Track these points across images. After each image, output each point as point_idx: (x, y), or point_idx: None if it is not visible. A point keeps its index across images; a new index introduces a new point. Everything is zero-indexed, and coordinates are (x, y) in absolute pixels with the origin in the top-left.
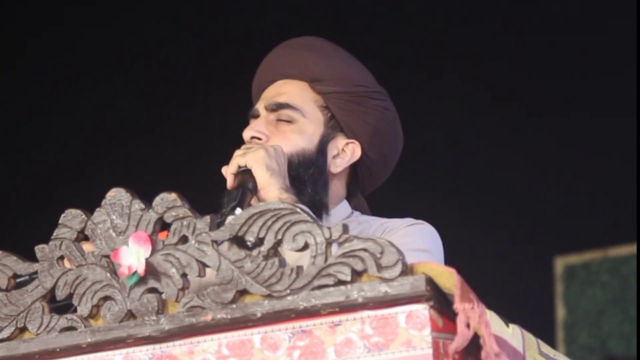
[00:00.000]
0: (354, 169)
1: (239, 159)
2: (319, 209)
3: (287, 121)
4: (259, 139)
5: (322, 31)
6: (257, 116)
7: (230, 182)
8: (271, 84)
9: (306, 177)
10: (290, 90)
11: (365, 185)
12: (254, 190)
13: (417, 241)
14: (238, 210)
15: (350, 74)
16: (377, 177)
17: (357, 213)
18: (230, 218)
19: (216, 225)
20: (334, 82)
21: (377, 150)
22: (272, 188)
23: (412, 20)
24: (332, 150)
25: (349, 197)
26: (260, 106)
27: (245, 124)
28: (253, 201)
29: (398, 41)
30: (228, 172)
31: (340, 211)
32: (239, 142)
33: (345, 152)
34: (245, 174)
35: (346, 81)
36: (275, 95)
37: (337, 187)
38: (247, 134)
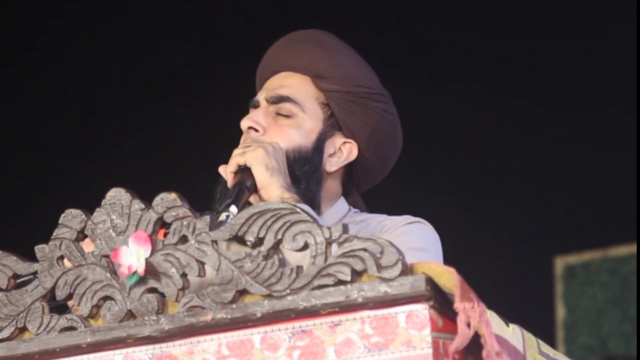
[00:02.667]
0: (349, 168)
1: (238, 158)
2: (311, 206)
3: (286, 115)
4: (256, 130)
5: (325, 27)
6: (257, 106)
7: (230, 182)
8: (274, 74)
9: (300, 173)
10: (292, 84)
11: (360, 184)
12: (253, 189)
13: (414, 240)
14: (233, 208)
15: (353, 74)
16: (373, 176)
17: (354, 211)
18: (223, 215)
19: (216, 224)
20: (336, 80)
21: (374, 151)
22: (273, 187)
23: (411, 19)
24: (329, 148)
25: (345, 195)
26: (261, 97)
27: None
28: (254, 200)
29: (399, 40)
30: (227, 171)
31: (337, 209)
32: (239, 141)
33: (341, 151)
34: (244, 172)
35: (349, 80)
36: (277, 87)
37: (332, 186)
38: (244, 123)
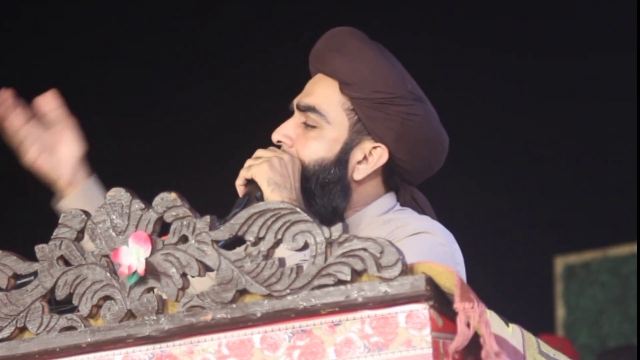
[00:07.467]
0: (388, 167)
1: (245, 172)
2: (332, 216)
3: (312, 126)
4: (284, 143)
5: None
6: (293, 111)
7: (240, 193)
8: (315, 73)
9: (319, 185)
10: (321, 91)
11: (410, 179)
12: (262, 199)
13: (407, 256)
14: None
15: (371, 80)
16: (418, 174)
17: (398, 209)
18: None
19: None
20: (357, 87)
21: (406, 153)
22: None
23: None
24: (357, 155)
25: (396, 190)
26: (295, 101)
27: (246, 122)
28: None
29: (407, 26)
30: (236, 184)
31: (374, 208)
32: (239, 141)
33: (372, 156)
34: (252, 184)
35: (366, 87)
36: (307, 95)
37: (366, 189)
38: (274, 137)
